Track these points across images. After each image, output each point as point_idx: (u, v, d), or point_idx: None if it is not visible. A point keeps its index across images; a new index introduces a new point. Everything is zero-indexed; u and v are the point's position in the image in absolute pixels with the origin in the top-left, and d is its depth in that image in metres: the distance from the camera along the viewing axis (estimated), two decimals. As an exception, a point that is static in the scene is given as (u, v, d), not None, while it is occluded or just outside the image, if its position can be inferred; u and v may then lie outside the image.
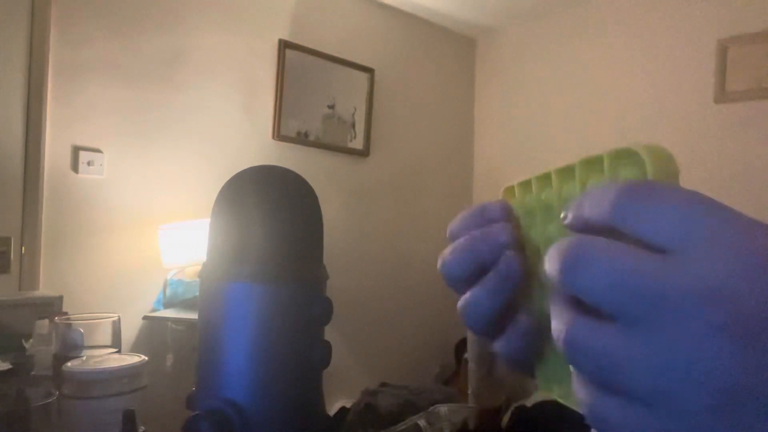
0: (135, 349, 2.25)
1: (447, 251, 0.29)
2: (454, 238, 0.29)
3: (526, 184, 0.30)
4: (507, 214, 0.29)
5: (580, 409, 0.22)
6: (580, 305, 0.21)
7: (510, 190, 0.31)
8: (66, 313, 1.03)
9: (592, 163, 0.26)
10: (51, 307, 1.13)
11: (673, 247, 0.19)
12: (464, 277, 0.28)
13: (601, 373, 0.20)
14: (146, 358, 0.74)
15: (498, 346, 0.28)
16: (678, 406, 0.19)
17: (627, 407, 0.20)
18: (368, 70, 3.22)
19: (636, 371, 0.19)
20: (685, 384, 0.18)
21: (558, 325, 0.22)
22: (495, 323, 0.28)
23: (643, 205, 0.20)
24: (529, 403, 0.82)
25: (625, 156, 0.24)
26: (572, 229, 0.23)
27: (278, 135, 2.86)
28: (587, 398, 0.21)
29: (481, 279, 0.27)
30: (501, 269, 0.27)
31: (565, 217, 0.23)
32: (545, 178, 0.29)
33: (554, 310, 0.22)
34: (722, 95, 2.78)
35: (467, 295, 0.28)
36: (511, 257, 0.27)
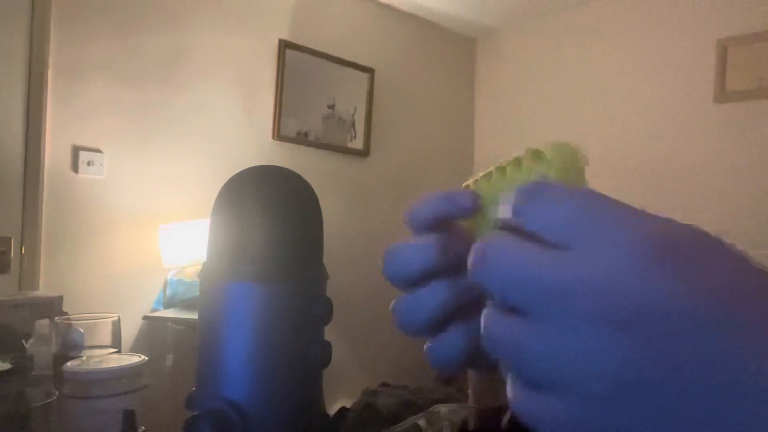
0: (135, 349, 2.25)
1: (407, 246, 0.27)
2: (419, 226, 0.28)
3: (476, 182, 0.30)
4: (477, 207, 0.28)
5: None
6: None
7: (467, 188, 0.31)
8: (66, 313, 1.03)
9: (518, 163, 0.27)
10: (51, 307, 1.13)
11: (565, 243, 0.21)
12: (418, 279, 0.27)
13: (514, 365, 0.21)
14: (146, 358, 0.74)
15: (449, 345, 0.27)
16: (577, 394, 0.19)
17: (542, 398, 0.21)
18: (368, 70, 3.22)
19: (537, 362, 0.20)
20: (577, 373, 0.19)
21: (482, 320, 0.23)
22: (440, 325, 0.27)
23: (535, 205, 0.22)
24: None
25: (538, 156, 0.25)
26: (501, 229, 0.24)
27: (278, 135, 2.86)
28: (511, 391, 0.22)
29: (429, 282, 0.27)
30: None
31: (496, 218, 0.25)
32: (488, 176, 0.29)
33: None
34: (722, 95, 2.78)
35: (416, 299, 0.27)
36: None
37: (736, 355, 0.18)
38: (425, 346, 0.28)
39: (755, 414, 0.18)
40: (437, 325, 0.26)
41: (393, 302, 0.28)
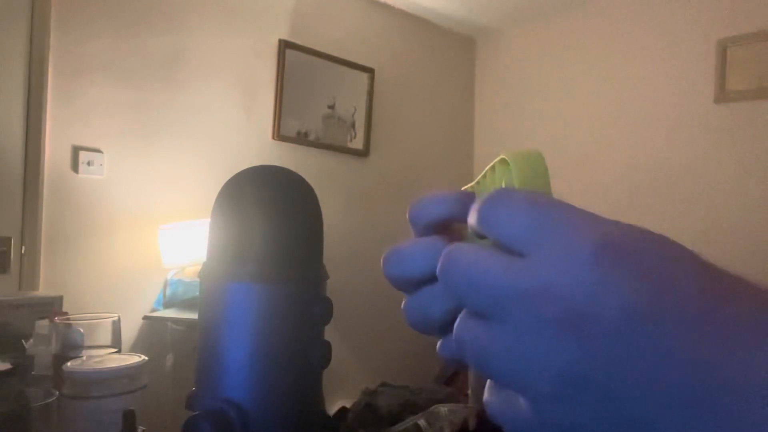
0: (135, 349, 2.25)
1: (408, 248, 0.28)
2: (421, 226, 0.28)
3: (476, 185, 0.31)
4: None
5: None
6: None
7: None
8: (66, 313, 1.03)
9: (492, 170, 0.28)
10: (51, 307, 1.13)
11: (522, 250, 0.22)
12: (420, 280, 0.27)
13: (479, 365, 0.22)
14: (146, 358, 0.74)
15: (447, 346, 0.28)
16: (531, 393, 0.20)
17: (505, 398, 0.22)
18: (368, 70, 3.22)
19: (497, 363, 0.21)
20: (530, 373, 0.20)
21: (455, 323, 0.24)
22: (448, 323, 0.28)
23: (495, 212, 0.23)
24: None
25: (506, 163, 0.26)
26: (472, 236, 0.25)
27: (278, 135, 2.86)
28: (485, 393, 0.23)
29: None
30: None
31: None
32: (483, 178, 0.30)
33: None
34: (722, 95, 2.78)
35: (420, 295, 0.28)
36: None
37: (673, 350, 0.19)
38: (438, 344, 0.28)
39: (692, 408, 0.18)
40: (450, 324, 0.27)
41: (404, 302, 0.28)
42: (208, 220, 0.48)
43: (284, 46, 2.87)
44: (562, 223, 0.21)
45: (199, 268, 0.48)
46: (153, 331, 2.37)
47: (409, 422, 0.85)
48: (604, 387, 0.19)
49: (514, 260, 0.21)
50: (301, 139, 2.96)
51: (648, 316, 0.19)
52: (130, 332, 2.33)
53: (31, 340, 0.98)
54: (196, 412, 0.43)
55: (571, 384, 0.19)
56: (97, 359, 0.74)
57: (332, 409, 0.52)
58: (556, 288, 0.20)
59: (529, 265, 0.21)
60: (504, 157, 0.26)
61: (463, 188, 0.31)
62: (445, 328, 0.27)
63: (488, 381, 0.23)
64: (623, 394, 0.19)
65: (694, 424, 0.18)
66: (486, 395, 0.23)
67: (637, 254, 0.20)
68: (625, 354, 0.19)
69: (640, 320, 0.19)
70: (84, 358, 0.76)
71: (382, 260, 0.28)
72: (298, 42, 2.92)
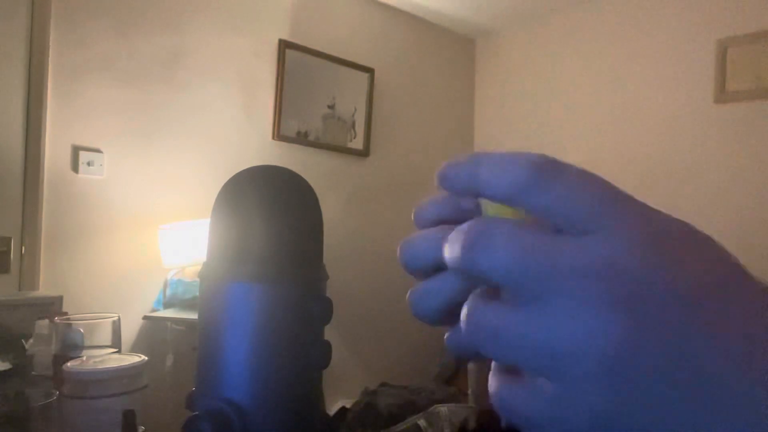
0: (135, 349, 2.25)
1: (421, 236, 0.27)
2: (424, 222, 0.28)
3: None
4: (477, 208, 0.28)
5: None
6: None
7: None
8: (66, 313, 1.03)
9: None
10: (51, 307, 1.13)
11: (582, 227, 0.21)
12: (432, 267, 0.27)
13: (499, 351, 0.21)
14: (146, 358, 0.74)
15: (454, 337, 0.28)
16: (570, 376, 0.20)
17: (527, 385, 0.21)
18: (368, 70, 3.22)
19: (529, 346, 0.20)
20: (573, 353, 0.19)
21: (463, 310, 0.23)
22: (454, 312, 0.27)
23: (547, 185, 0.21)
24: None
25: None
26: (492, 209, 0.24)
27: (278, 135, 2.86)
28: (493, 383, 0.22)
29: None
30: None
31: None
32: None
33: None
34: (722, 95, 2.78)
35: (429, 281, 0.27)
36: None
37: (722, 335, 0.19)
38: (446, 335, 0.28)
39: (734, 394, 0.19)
40: (451, 313, 0.26)
41: (409, 291, 0.28)
42: (208, 220, 0.48)
43: (284, 46, 2.87)
44: (625, 205, 0.21)
45: (199, 268, 0.48)
46: (153, 331, 2.37)
47: (409, 422, 0.85)
48: (651, 367, 0.19)
49: (567, 238, 0.21)
50: (301, 139, 2.97)
51: (703, 300, 0.20)
52: (130, 332, 2.33)
53: (31, 340, 0.98)
54: (196, 412, 0.43)
55: (620, 362, 0.19)
56: (97, 359, 0.74)
57: (332, 409, 0.52)
58: (612, 269, 0.20)
59: (590, 242, 0.20)
60: None
61: None
62: (449, 317, 0.27)
63: (496, 375, 0.22)
64: (668, 374, 0.19)
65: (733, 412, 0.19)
66: (498, 388, 0.22)
67: (688, 245, 0.21)
68: (679, 334, 0.19)
69: (696, 302, 0.19)
70: (84, 358, 0.76)
71: (397, 249, 0.28)
72: (298, 42, 2.92)
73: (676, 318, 0.19)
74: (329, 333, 0.49)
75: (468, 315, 0.22)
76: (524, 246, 0.21)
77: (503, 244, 0.21)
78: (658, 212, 0.22)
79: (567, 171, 0.22)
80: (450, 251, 0.22)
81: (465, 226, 0.22)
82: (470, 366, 0.94)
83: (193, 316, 2.11)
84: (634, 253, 0.20)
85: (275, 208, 0.47)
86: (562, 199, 0.21)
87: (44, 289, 2.17)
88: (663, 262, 0.20)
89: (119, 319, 0.88)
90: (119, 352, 0.86)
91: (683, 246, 0.21)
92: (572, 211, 0.21)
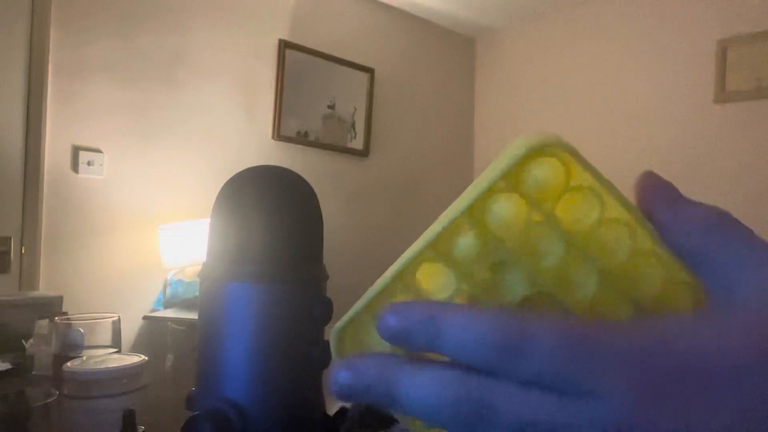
0: (135, 349, 2.25)
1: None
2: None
3: None
4: None
5: None
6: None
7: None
8: (66, 313, 1.03)
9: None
10: (51, 307, 1.13)
11: (564, 390, 0.18)
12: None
13: None
14: (146, 358, 0.74)
15: None
16: None
17: None
18: (368, 70, 3.22)
19: None
20: None
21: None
22: None
23: (530, 347, 0.18)
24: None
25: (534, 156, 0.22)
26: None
27: (278, 135, 2.86)
28: None
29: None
30: None
31: None
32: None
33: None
34: (722, 95, 2.78)
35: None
36: None
37: None
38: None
39: None
40: None
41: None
42: (208, 220, 0.48)
43: (284, 46, 2.87)
44: (616, 352, 0.18)
45: (199, 268, 0.48)
46: (153, 331, 2.37)
47: (409, 422, 0.84)
48: None
49: (564, 402, 0.18)
50: (301, 139, 2.97)
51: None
52: (130, 332, 2.33)
53: (31, 340, 0.98)
54: (196, 412, 0.43)
55: None
56: (97, 359, 0.74)
57: (332, 409, 0.52)
58: (624, 430, 0.18)
59: (590, 406, 0.18)
60: (530, 145, 0.22)
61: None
62: None
63: None
64: None
65: None
66: None
67: (717, 374, 0.18)
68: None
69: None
70: (84, 358, 0.76)
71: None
72: (298, 42, 2.92)
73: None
74: (329, 333, 0.49)
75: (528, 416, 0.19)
76: (532, 411, 0.18)
77: (512, 412, 0.19)
78: (675, 327, 0.19)
79: (538, 327, 0.19)
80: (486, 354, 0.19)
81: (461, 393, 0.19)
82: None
83: (193, 316, 2.11)
84: (635, 413, 0.17)
85: (275, 208, 0.47)
86: (541, 363, 0.18)
87: (44, 289, 2.17)
88: (679, 413, 0.17)
89: (119, 319, 0.89)
90: (119, 352, 0.86)
91: (709, 381, 0.18)
92: (557, 378, 0.18)
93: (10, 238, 2.16)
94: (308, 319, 0.46)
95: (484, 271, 0.23)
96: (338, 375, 0.21)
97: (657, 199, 0.24)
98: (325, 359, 0.48)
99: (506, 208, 0.23)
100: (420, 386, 0.19)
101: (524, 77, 3.58)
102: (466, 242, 0.23)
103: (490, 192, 0.22)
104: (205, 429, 0.42)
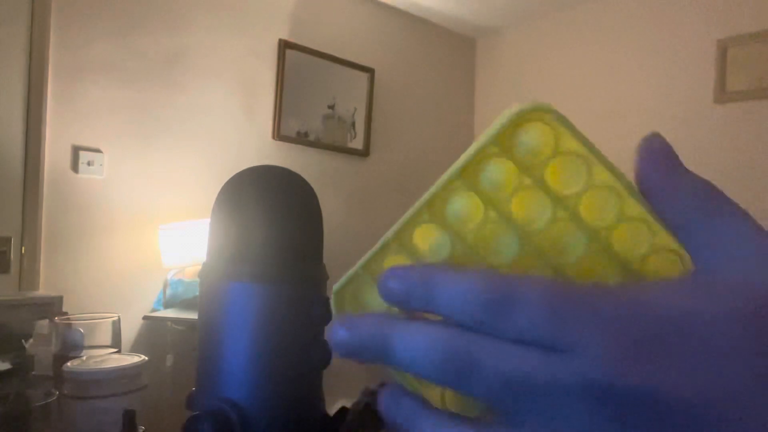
0: (135, 349, 2.25)
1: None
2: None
3: None
4: None
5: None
6: None
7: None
8: (66, 313, 1.03)
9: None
10: (51, 307, 1.13)
11: (556, 346, 0.19)
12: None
13: None
14: (146, 358, 0.74)
15: None
16: None
17: None
18: (368, 70, 3.22)
19: None
20: None
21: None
22: None
23: (514, 306, 0.19)
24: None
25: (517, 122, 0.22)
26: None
27: (278, 135, 2.86)
28: None
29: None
30: None
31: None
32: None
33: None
34: (722, 95, 2.78)
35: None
36: None
37: None
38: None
39: None
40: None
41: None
42: (208, 220, 0.48)
43: (284, 46, 2.87)
44: (598, 309, 0.19)
45: (199, 268, 0.48)
46: (153, 331, 2.37)
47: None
48: None
49: (545, 356, 0.19)
50: (301, 139, 2.97)
51: (718, 407, 0.18)
52: (130, 332, 2.33)
53: (31, 340, 0.98)
54: (196, 412, 0.43)
55: None
56: (97, 359, 0.74)
57: (332, 409, 0.52)
58: (595, 388, 0.18)
59: (571, 361, 0.18)
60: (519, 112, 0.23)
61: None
62: None
63: None
64: None
65: None
66: None
67: (700, 334, 0.18)
68: None
69: (708, 412, 0.18)
70: (84, 358, 0.76)
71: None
72: (298, 42, 2.92)
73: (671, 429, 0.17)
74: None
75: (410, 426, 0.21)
76: (514, 366, 0.19)
77: (493, 366, 0.19)
78: (658, 290, 0.20)
79: (524, 287, 0.19)
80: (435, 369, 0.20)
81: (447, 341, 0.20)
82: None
83: (193, 316, 2.11)
84: (612, 368, 0.18)
85: (275, 208, 0.47)
86: (520, 317, 0.19)
87: (44, 289, 2.17)
88: (654, 371, 0.18)
89: (119, 319, 0.89)
90: (119, 352, 0.86)
91: (685, 342, 0.18)
92: (542, 334, 0.19)
93: (10, 238, 2.16)
94: (308, 319, 0.46)
95: (477, 232, 0.24)
96: (336, 332, 0.22)
97: (655, 165, 0.25)
98: (325, 359, 0.48)
99: (497, 172, 0.24)
100: (411, 343, 0.20)
101: (524, 77, 3.58)
102: (459, 204, 0.24)
103: (482, 156, 0.23)
104: (205, 429, 0.42)
